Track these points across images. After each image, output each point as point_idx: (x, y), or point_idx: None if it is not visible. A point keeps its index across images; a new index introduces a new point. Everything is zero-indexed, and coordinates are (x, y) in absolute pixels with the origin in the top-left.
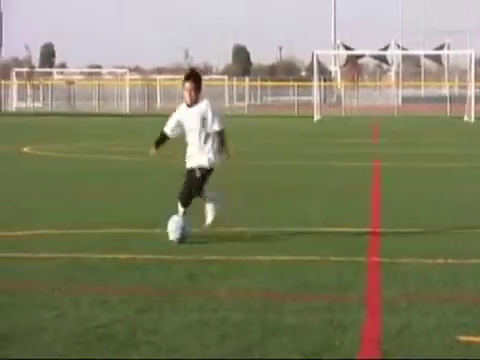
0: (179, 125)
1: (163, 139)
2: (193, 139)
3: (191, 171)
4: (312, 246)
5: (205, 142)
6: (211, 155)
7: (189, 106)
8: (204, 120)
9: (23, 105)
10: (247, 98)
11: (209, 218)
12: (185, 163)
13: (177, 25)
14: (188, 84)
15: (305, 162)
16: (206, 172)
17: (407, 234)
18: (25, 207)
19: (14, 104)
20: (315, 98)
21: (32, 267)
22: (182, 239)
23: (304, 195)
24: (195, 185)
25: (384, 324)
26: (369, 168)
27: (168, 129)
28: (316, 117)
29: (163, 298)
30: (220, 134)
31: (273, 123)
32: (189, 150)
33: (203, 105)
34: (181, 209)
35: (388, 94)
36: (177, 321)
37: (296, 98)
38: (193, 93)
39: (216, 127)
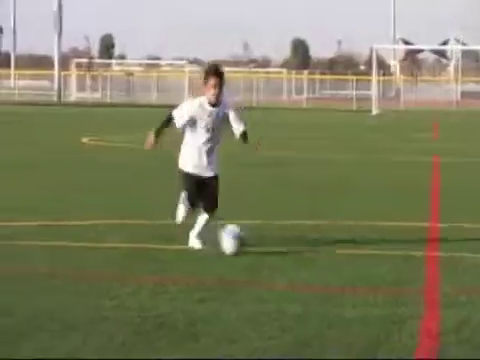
0: (190, 123)
1: (166, 127)
2: (206, 141)
3: (208, 179)
4: (371, 240)
5: (215, 144)
6: (217, 164)
7: (211, 105)
8: (224, 121)
9: (82, 95)
10: (306, 92)
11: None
12: (179, 160)
13: (236, 18)
14: (214, 80)
15: (364, 156)
16: (217, 183)
17: (466, 229)
18: (85, 197)
19: (73, 94)
20: (374, 92)
21: (92, 256)
22: (241, 247)
23: (364, 189)
24: (214, 198)
25: (442, 318)
26: (428, 163)
27: (180, 121)
28: (374, 111)
29: (223, 289)
30: (244, 135)
31: (332, 116)
32: (195, 152)
33: (226, 104)
34: (187, 206)
35: (447, 89)
36: (236, 312)
37: (355, 92)
38: (219, 90)
39: (242, 127)
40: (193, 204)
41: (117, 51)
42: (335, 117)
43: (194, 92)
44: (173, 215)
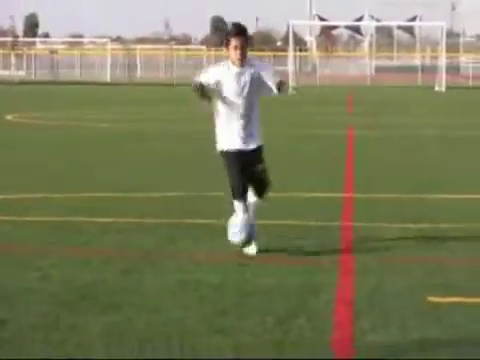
0: (218, 89)
1: (204, 96)
2: (238, 110)
3: (243, 155)
4: (288, 211)
5: (252, 112)
6: (258, 134)
7: (237, 68)
8: (258, 84)
9: (7, 73)
10: None
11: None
12: (217, 143)
13: None
14: (238, 40)
15: (280, 129)
16: (262, 158)
17: (379, 200)
18: (11, 173)
19: None
20: (290, 67)
21: (17, 230)
22: (247, 240)
23: (280, 162)
24: (264, 177)
25: (357, 285)
26: (343, 136)
27: (208, 82)
28: (292, 84)
29: (144, 260)
30: (281, 82)
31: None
32: (230, 125)
33: (256, 65)
34: (239, 204)
35: (362, 64)
36: (157, 283)
37: (272, 67)
38: (242, 51)
39: (277, 80)
40: (244, 195)
41: (41, 30)
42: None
43: (117, 68)
44: (228, 234)
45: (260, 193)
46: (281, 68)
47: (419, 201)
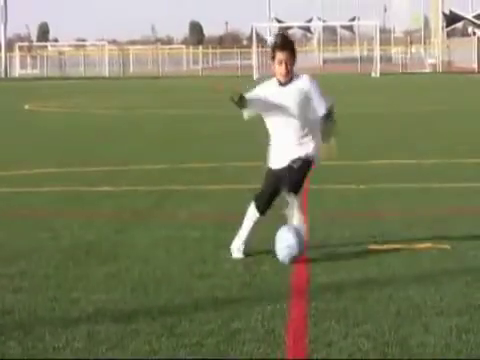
0: (263, 106)
1: (243, 107)
2: (288, 128)
3: (293, 161)
4: (256, 177)
5: (304, 131)
6: (313, 145)
7: (282, 84)
8: (305, 102)
9: (24, 72)
10: (201, 63)
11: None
12: (270, 164)
13: (145, 4)
14: (283, 55)
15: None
16: (306, 164)
17: (327, 166)
18: (28, 152)
19: (17, 71)
20: (254, 61)
21: (33, 199)
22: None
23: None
24: (294, 179)
25: (310, 237)
26: None
27: (250, 95)
28: (255, 76)
29: (136, 220)
30: (327, 117)
31: (221, 82)
32: (279, 145)
33: (303, 81)
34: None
35: (312, 57)
36: (147, 238)
37: (239, 62)
38: (289, 67)
39: (323, 108)
40: (262, 210)
41: (51, 36)
42: (223, 82)
43: (113, 65)
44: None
45: (291, 188)
46: (247, 62)
47: (360, 166)
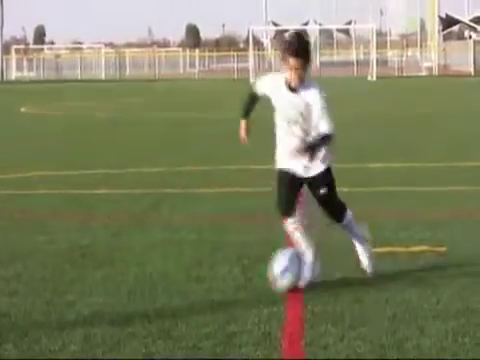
0: (266, 98)
1: (252, 103)
2: (293, 133)
3: (313, 180)
4: (252, 180)
5: (309, 136)
6: (321, 154)
7: (291, 89)
8: (308, 112)
9: (20, 75)
10: (197, 66)
11: (364, 260)
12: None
13: (141, 7)
14: (297, 62)
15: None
16: (328, 177)
17: None
18: (24, 156)
19: (13, 74)
20: (251, 64)
21: (29, 202)
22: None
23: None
24: (333, 199)
25: None
26: None
27: (259, 90)
28: (252, 79)
29: (133, 224)
30: (324, 139)
31: (217, 85)
32: (286, 146)
33: (312, 94)
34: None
35: None
36: (143, 242)
37: (236, 65)
38: (301, 73)
39: (323, 128)
40: (287, 212)
41: (48, 38)
42: (220, 85)
43: (110, 68)
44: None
45: (335, 217)
46: (244, 65)
47: (354, 170)
